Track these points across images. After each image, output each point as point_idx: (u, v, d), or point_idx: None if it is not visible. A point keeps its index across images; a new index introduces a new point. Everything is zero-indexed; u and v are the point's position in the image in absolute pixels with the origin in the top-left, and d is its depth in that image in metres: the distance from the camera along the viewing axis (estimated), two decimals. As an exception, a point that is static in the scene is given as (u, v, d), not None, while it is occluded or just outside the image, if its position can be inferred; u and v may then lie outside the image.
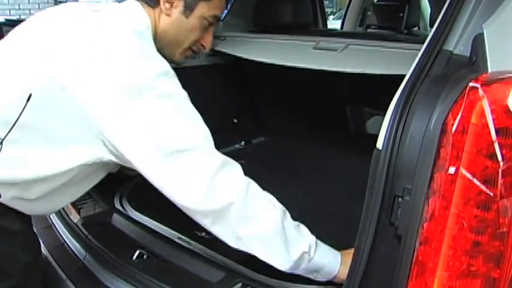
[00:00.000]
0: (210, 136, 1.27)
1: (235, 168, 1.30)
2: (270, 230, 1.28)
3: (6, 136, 1.21)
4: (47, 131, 1.24)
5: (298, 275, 1.40)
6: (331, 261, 1.37)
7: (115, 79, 1.19)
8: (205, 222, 1.29)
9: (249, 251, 1.30)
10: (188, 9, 1.43)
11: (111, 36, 1.26)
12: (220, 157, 1.27)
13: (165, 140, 1.21)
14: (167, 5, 1.42)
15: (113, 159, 1.28)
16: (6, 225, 1.33)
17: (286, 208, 1.67)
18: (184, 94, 1.27)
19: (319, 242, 1.37)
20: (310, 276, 1.37)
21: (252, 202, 1.27)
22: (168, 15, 1.43)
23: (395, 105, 1.05)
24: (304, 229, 1.37)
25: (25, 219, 1.40)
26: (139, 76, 1.20)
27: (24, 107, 1.21)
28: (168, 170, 1.22)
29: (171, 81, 1.26)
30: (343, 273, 1.30)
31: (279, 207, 1.33)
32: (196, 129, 1.26)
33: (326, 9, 4.07)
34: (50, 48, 1.26)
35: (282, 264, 1.31)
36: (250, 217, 1.27)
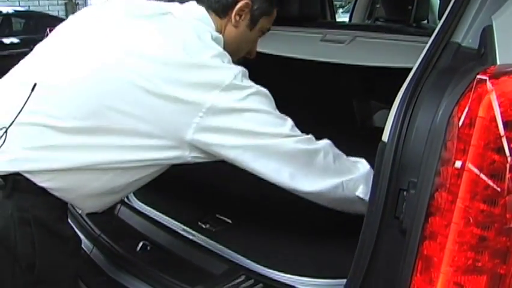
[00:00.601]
0: (294, 125, 1.35)
1: (316, 141, 1.40)
2: (366, 170, 1.40)
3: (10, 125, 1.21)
4: (132, 130, 1.25)
5: (304, 268, 1.45)
6: None
7: (205, 80, 1.23)
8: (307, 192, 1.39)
9: (353, 193, 1.39)
10: (253, 22, 1.48)
11: (195, 40, 1.30)
12: (305, 137, 1.37)
13: (260, 133, 1.28)
14: (237, 17, 1.45)
15: (196, 155, 1.31)
16: (62, 231, 1.33)
17: (291, 199, 1.66)
18: (265, 90, 1.34)
19: None
20: None
21: (342, 156, 1.42)
22: (236, 26, 1.46)
23: (401, 97, 1.04)
24: None
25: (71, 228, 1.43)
26: (227, 76, 1.24)
27: (29, 97, 1.21)
28: (267, 160, 1.31)
29: (251, 81, 1.32)
30: None
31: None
32: (283, 121, 1.33)
33: (335, 2, 4.05)
34: (128, 50, 1.26)
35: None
36: (347, 167, 1.40)
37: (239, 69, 1.29)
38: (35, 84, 1.22)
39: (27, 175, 1.22)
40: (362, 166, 1.42)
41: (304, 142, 1.34)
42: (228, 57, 1.32)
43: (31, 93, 1.21)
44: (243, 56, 1.57)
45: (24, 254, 1.23)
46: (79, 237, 1.45)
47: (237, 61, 1.48)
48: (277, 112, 1.33)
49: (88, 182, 1.29)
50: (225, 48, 1.39)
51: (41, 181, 1.23)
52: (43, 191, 1.25)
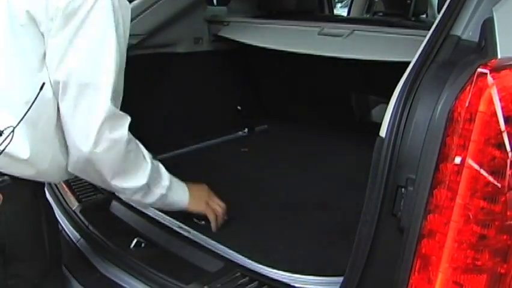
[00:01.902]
0: (113, 81, 1.24)
1: (123, 123, 1.29)
2: (141, 184, 1.38)
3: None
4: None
5: (300, 266, 1.44)
6: (182, 197, 1.56)
7: None
8: (78, 167, 1.31)
9: (117, 194, 1.44)
10: None
11: None
12: (112, 108, 1.24)
13: (73, 68, 1.19)
14: None
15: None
16: (35, 207, 1.32)
17: (287, 196, 1.64)
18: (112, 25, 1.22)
19: (173, 179, 1.50)
20: (166, 208, 1.57)
21: (129, 159, 1.33)
22: None
23: (400, 91, 1.02)
24: (163, 171, 1.47)
25: (50, 206, 1.42)
26: None
27: (37, 96, 1.19)
28: (69, 101, 1.21)
29: None
30: (191, 204, 1.57)
31: (149, 159, 1.40)
32: (105, 67, 1.23)
33: (333, -4, 4.04)
34: None
35: (144, 206, 1.57)
36: (125, 172, 1.33)
37: None
38: (43, 84, 1.20)
39: None
40: (141, 177, 1.38)
41: (104, 110, 1.22)
42: None
43: (39, 92, 1.19)
44: None
45: None
46: (53, 213, 1.44)
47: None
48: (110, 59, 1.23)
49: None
50: None
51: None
52: None
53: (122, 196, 1.44)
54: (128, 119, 1.29)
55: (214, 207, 1.66)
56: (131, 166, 1.35)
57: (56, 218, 1.46)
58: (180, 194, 1.55)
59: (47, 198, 1.41)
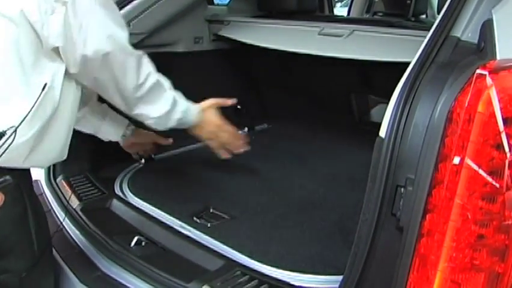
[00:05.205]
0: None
1: (147, 61, 1.41)
2: (166, 110, 1.49)
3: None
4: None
5: (299, 264, 1.44)
6: (194, 118, 1.62)
7: None
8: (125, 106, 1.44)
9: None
10: None
11: None
12: (136, 53, 1.36)
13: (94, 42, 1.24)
14: None
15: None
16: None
17: (287, 195, 1.64)
18: None
19: (189, 104, 1.58)
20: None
21: (156, 90, 1.45)
22: None
23: (399, 92, 1.02)
24: (180, 98, 1.55)
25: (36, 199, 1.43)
26: None
27: (38, 97, 1.19)
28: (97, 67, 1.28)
29: None
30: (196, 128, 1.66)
31: (170, 87, 1.51)
32: (120, 30, 1.31)
33: (333, -5, 4.04)
34: None
35: (163, 128, 1.56)
36: (154, 101, 1.46)
37: None
38: (45, 85, 1.20)
39: None
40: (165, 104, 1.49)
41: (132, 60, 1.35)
42: None
43: (41, 92, 1.19)
44: None
45: None
46: (43, 210, 1.47)
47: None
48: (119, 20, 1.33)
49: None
50: None
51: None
52: None
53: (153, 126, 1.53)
54: None
55: (220, 135, 1.74)
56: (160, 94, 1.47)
57: (42, 207, 1.46)
58: (194, 115, 1.61)
59: (33, 189, 1.41)
